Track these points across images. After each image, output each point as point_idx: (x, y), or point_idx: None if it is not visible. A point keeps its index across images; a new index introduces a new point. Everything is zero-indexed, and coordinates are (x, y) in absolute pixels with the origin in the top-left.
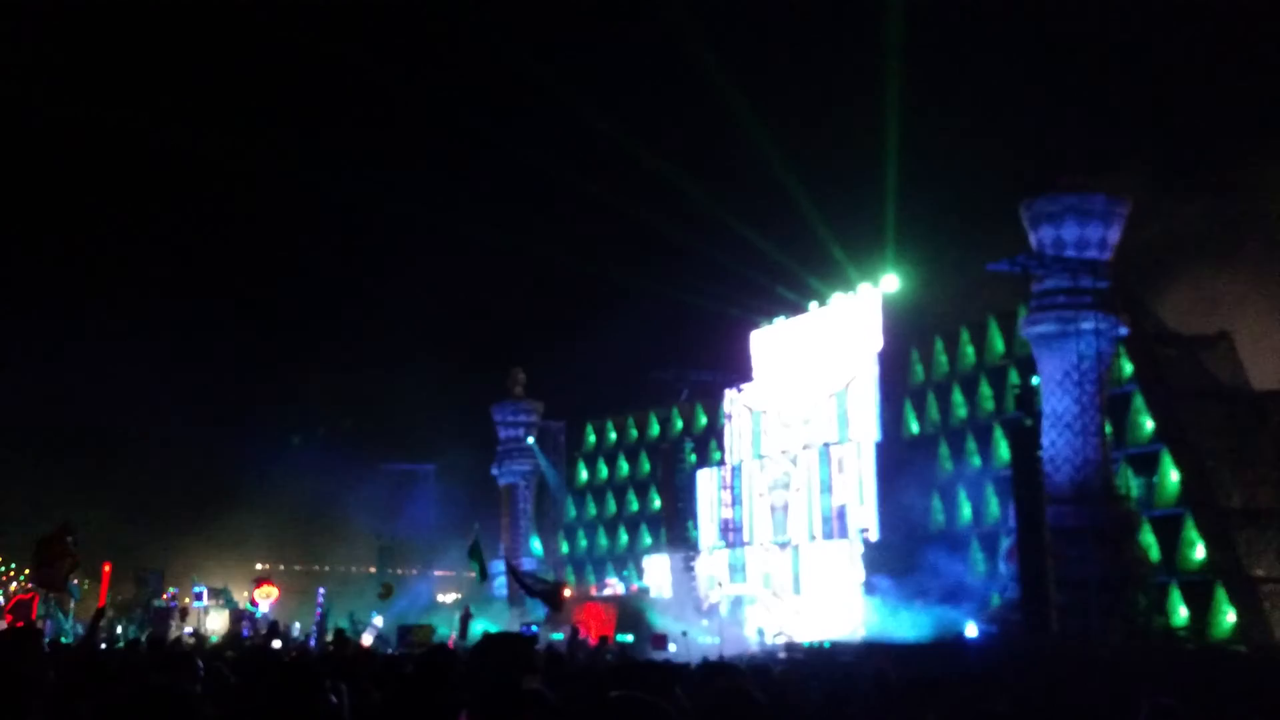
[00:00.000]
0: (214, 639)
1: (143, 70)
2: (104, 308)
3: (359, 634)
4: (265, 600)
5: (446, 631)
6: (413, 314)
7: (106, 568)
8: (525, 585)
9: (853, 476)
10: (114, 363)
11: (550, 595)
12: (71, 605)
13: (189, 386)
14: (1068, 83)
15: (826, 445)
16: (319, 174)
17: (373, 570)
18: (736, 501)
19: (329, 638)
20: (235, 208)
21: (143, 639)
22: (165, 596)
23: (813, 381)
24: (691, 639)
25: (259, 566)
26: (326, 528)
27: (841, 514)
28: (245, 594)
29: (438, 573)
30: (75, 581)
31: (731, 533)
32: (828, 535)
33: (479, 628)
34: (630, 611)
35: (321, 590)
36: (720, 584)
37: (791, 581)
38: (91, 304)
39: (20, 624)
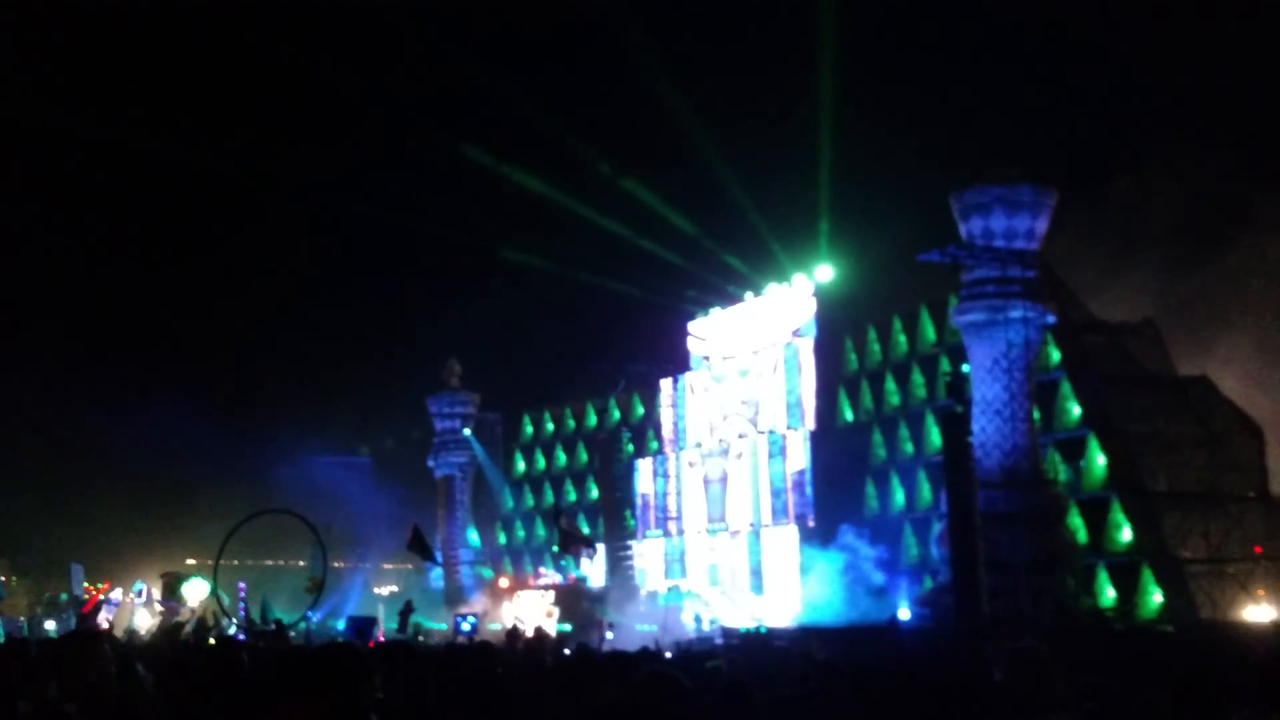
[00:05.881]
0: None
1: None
2: (35, 310)
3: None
4: (195, 597)
5: (389, 626)
6: (349, 304)
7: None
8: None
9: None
10: (45, 360)
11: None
12: None
13: (126, 385)
14: (1001, 75)
15: (771, 431)
16: (261, 174)
17: (302, 563)
18: (663, 476)
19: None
20: (173, 214)
21: (54, 634)
22: (86, 590)
23: (748, 358)
24: (630, 627)
25: (190, 561)
26: (260, 521)
27: (800, 484)
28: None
29: (386, 566)
30: (1, 580)
31: (657, 517)
32: (779, 514)
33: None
34: (568, 601)
35: (242, 584)
36: (648, 578)
37: (748, 577)
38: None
39: None
